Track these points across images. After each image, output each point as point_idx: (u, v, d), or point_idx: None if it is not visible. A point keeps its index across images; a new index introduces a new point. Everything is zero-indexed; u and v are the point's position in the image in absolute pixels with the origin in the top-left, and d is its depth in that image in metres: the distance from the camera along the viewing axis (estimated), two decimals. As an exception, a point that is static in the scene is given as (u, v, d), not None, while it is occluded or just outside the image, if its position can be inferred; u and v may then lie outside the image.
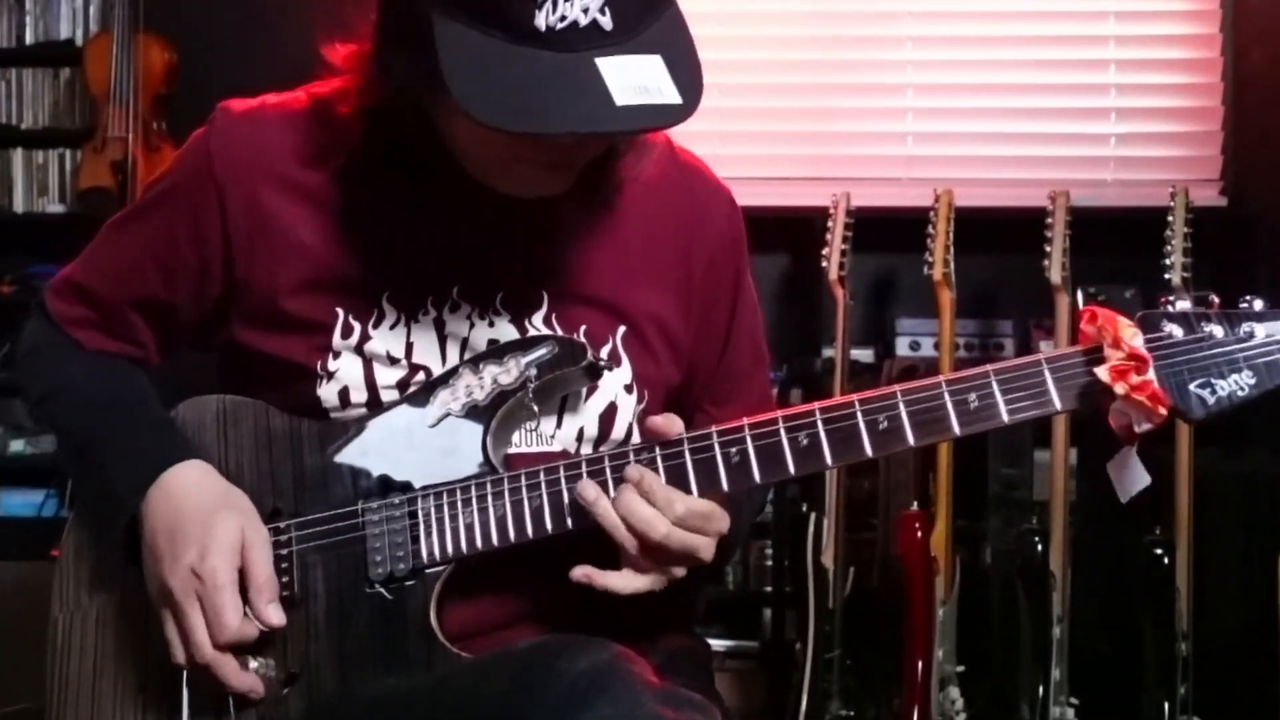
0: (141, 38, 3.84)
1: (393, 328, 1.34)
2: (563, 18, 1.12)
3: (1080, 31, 3.85)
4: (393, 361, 1.34)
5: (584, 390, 1.36)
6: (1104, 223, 3.46)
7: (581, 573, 1.24)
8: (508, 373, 1.31)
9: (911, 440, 1.22)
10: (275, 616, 1.26)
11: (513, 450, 1.34)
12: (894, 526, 3.07)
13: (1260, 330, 1.20)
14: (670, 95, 1.14)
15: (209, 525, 1.27)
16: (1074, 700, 2.92)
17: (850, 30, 3.92)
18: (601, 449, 1.36)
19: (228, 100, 1.39)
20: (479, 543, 1.27)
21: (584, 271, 1.38)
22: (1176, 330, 1.21)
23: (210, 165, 1.34)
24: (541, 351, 1.31)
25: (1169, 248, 2.94)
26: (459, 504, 1.28)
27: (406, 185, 1.34)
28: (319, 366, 1.34)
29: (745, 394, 1.49)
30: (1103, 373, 1.19)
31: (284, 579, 1.30)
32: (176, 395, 1.41)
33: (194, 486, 1.30)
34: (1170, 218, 2.97)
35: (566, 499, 1.26)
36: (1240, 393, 1.19)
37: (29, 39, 4.16)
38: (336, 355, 1.34)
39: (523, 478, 1.27)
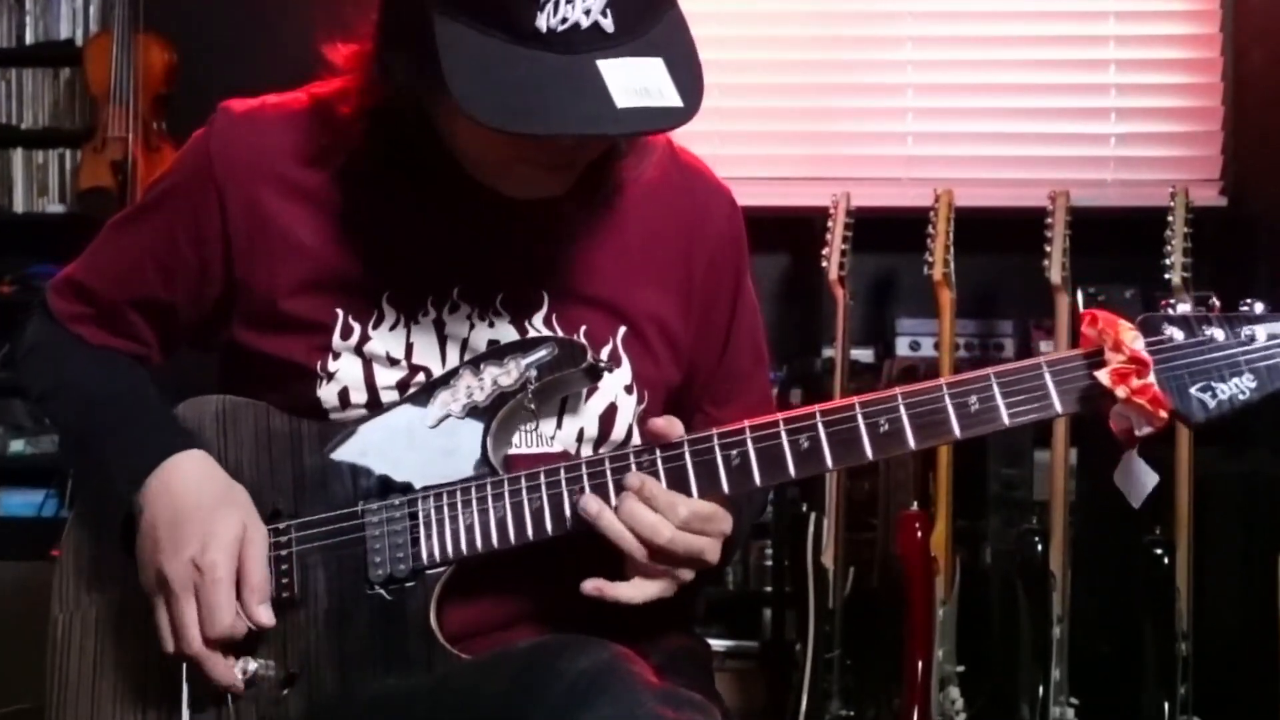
0: (141, 38, 3.84)
1: (392, 328, 1.34)
2: (564, 19, 1.12)
3: (1080, 31, 3.85)
4: (392, 362, 1.34)
5: (584, 391, 1.36)
6: (1104, 223, 3.46)
7: (593, 586, 1.24)
8: (508, 374, 1.31)
9: (912, 443, 1.22)
10: (265, 617, 1.26)
11: (513, 451, 1.34)
12: (894, 526, 3.07)
13: (1261, 333, 1.20)
14: (671, 98, 1.14)
15: (212, 519, 1.27)
16: (1074, 700, 2.92)
17: (850, 30, 3.92)
18: (601, 450, 1.36)
19: (228, 100, 1.39)
20: (479, 544, 1.27)
21: (584, 272, 1.38)
22: (1177, 333, 1.21)
23: (210, 166, 1.34)
24: (542, 353, 1.31)
25: (1169, 248, 2.94)
26: (459, 505, 1.28)
27: (407, 186, 1.34)
28: (319, 367, 1.34)
29: (745, 394, 1.49)
30: (1104, 376, 1.19)
31: (284, 579, 1.30)
32: (176, 395, 1.41)
33: (196, 477, 1.31)
34: (1170, 218, 2.97)
35: (567, 501, 1.26)
36: (1241, 396, 1.19)
37: (29, 39, 4.16)
38: (336, 356, 1.34)
39: (523, 479, 1.27)
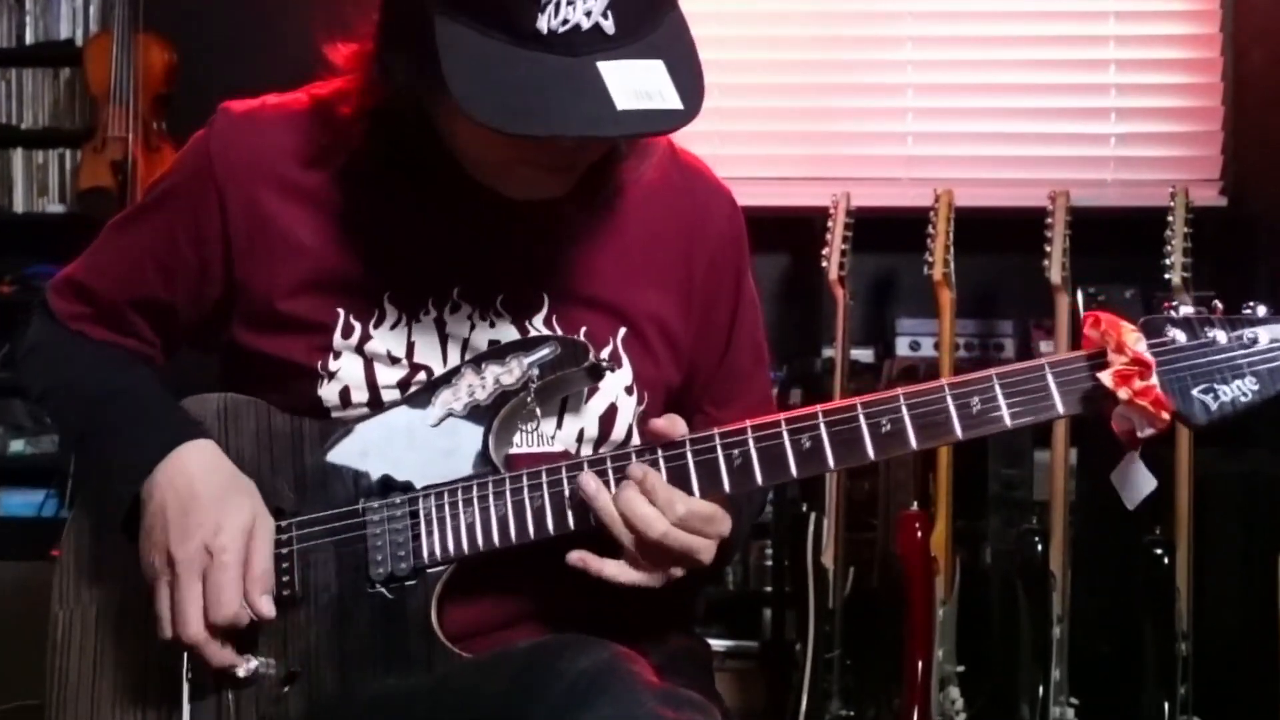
0: (141, 38, 3.84)
1: (393, 328, 1.34)
2: (565, 21, 1.12)
3: (1080, 31, 3.85)
4: (394, 361, 1.34)
5: (585, 391, 1.36)
6: (1104, 223, 3.46)
7: (577, 556, 1.24)
8: (510, 373, 1.31)
9: (914, 443, 1.22)
10: (267, 608, 1.27)
11: (513, 450, 1.34)
12: (894, 526, 3.07)
13: (1263, 336, 1.20)
14: (671, 100, 1.14)
15: (223, 505, 1.28)
16: (1074, 700, 2.92)
17: (850, 30, 3.92)
18: (602, 450, 1.36)
19: (228, 101, 1.39)
20: (480, 543, 1.27)
21: (585, 273, 1.38)
22: (1180, 335, 1.21)
23: (211, 166, 1.34)
24: (544, 352, 1.31)
25: (1169, 248, 2.94)
26: (460, 504, 1.28)
27: (407, 186, 1.34)
28: (320, 366, 1.34)
29: (746, 394, 1.49)
30: (1106, 378, 1.19)
31: (285, 577, 1.30)
32: (176, 395, 1.41)
33: (205, 466, 1.31)
34: (1170, 218, 2.97)
35: (568, 499, 1.26)
36: (1243, 399, 1.19)
37: (29, 39, 4.17)
38: (337, 355, 1.34)
39: (524, 478, 1.27)
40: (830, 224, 3.20)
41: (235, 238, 1.34)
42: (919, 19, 3.89)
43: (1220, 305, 1.23)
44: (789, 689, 3.07)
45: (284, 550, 1.31)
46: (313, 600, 1.30)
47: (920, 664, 2.97)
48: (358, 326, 1.34)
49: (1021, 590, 2.99)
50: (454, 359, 1.35)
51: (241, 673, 1.28)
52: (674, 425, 1.26)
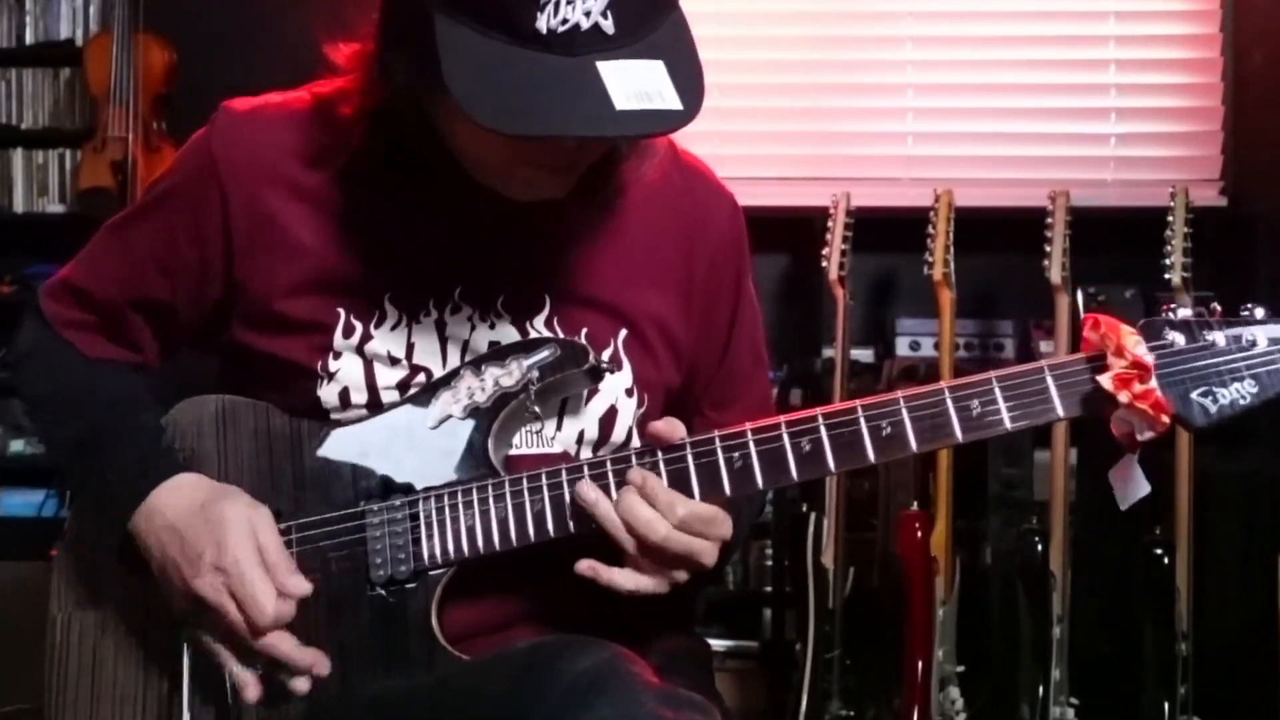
0: (141, 38, 3.84)
1: (394, 328, 1.34)
2: (564, 21, 1.12)
3: (1080, 31, 3.85)
4: (393, 362, 1.34)
5: (584, 393, 1.36)
6: (1104, 223, 3.46)
7: (587, 565, 1.24)
8: (509, 374, 1.31)
9: (914, 446, 1.22)
10: (299, 586, 1.25)
11: (513, 452, 1.34)
12: (894, 526, 3.07)
13: (1262, 338, 1.20)
14: (671, 101, 1.14)
15: (215, 517, 1.27)
16: (1074, 700, 2.92)
17: (850, 30, 3.92)
18: (601, 452, 1.36)
19: (229, 100, 1.39)
20: (480, 545, 1.27)
21: (586, 274, 1.38)
22: (1179, 338, 1.21)
23: (213, 165, 1.34)
24: (544, 353, 1.31)
25: (1169, 248, 2.94)
26: (460, 506, 1.28)
27: (408, 186, 1.34)
28: (319, 367, 1.33)
29: (745, 397, 1.49)
30: (1106, 381, 1.19)
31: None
32: (176, 395, 1.40)
33: (187, 490, 1.30)
34: (1170, 218, 2.97)
35: (568, 502, 1.26)
36: (1242, 401, 1.19)
37: (29, 39, 4.16)
38: (337, 356, 1.34)
39: (524, 480, 1.27)
40: (830, 224, 3.20)
41: (236, 236, 1.34)
42: (919, 19, 3.89)
43: (1219, 307, 1.23)
44: (789, 689, 3.07)
45: (284, 553, 1.31)
46: (313, 603, 1.29)
47: (920, 664, 2.97)
48: (358, 327, 1.34)
49: (1021, 590, 2.99)
50: (454, 360, 1.34)
51: (325, 661, 1.26)
52: (673, 428, 1.25)
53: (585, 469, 1.26)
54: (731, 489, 1.24)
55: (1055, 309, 3.01)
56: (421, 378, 1.34)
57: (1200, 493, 2.91)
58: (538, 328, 1.36)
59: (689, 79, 1.16)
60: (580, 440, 1.37)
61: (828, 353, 3.45)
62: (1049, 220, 3.05)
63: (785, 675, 3.14)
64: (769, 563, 3.55)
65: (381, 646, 1.28)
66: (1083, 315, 1.23)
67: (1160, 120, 3.82)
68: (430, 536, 1.28)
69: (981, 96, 3.88)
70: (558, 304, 1.37)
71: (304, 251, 1.34)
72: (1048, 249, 3.02)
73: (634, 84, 1.13)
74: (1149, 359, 1.19)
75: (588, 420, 1.37)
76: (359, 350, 1.34)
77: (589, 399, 1.37)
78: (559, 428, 1.36)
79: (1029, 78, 3.85)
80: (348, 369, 1.33)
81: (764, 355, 1.55)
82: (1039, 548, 2.97)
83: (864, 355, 3.64)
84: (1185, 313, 1.22)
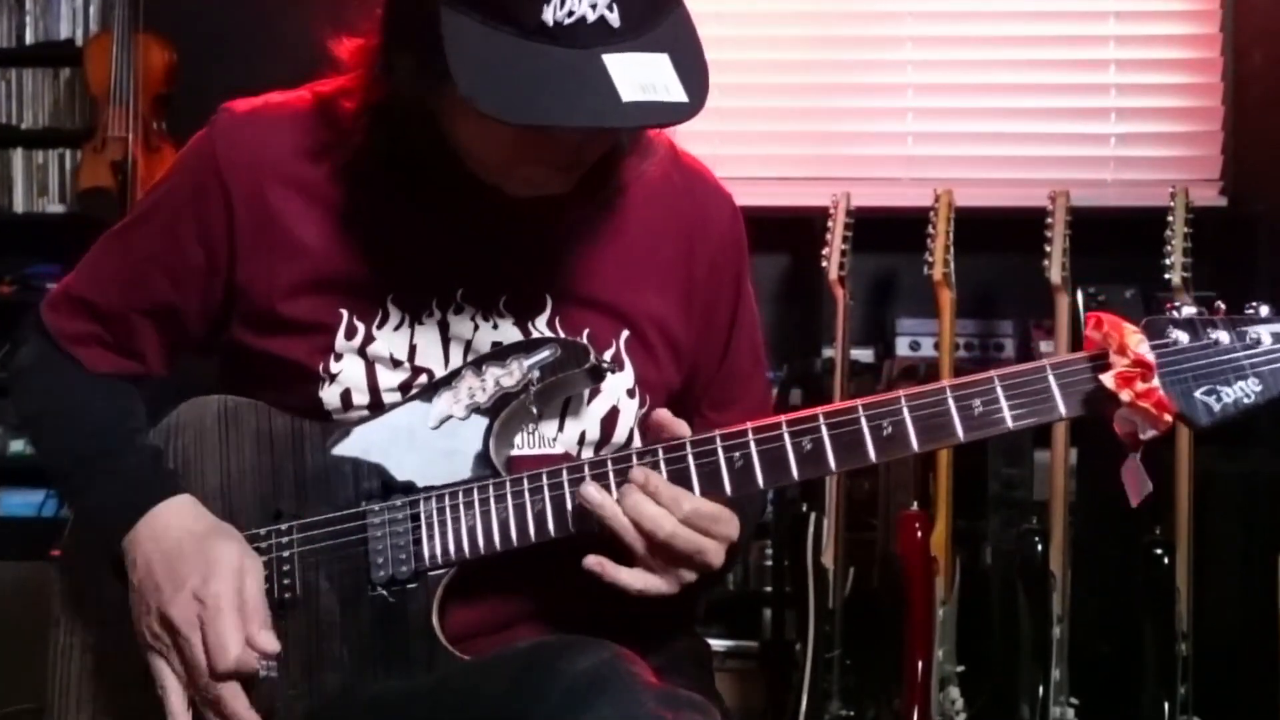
0: (141, 38, 3.84)
1: (396, 329, 1.34)
2: (571, 13, 1.12)
3: (1080, 31, 3.85)
4: (395, 364, 1.34)
5: (586, 393, 1.36)
6: (1104, 223, 3.46)
7: (594, 560, 1.23)
8: (510, 375, 1.31)
9: (915, 446, 1.22)
10: (269, 642, 1.23)
11: (514, 453, 1.34)
12: (894, 526, 3.07)
13: (1266, 336, 1.20)
14: (677, 93, 1.14)
15: (209, 550, 1.26)
16: (1074, 700, 2.92)
17: (850, 30, 3.92)
18: (603, 452, 1.36)
19: (229, 100, 1.39)
20: (481, 546, 1.27)
21: (588, 274, 1.38)
22: (1182, 336, 1.21)
23: (215, 166, 1.34)
24: (545, 354, 1.31)
25: (1169, 248, 2.94)
26: (461, 506, 1.28)
27: (409, 186, 1.34)
28: (321, 368, 1.33)
29: (744, 398, 1.49)
30: (1108, 379, 1.19)
31: (286, 580, 1.30)
32: (177, 395, 1.40)
33: (184, 517, 1.30)
34: (1170, 218, 2.97)
35: (569, 502, 1.26)
36: (1246, 400, 1.19)
37: (29, 39, 4.16)
38: (339, 357, 1.33)
39: (525, 480, 1.27)
40: (830, 224, 3.20)
41: (240, 237, 1.34)
42: (919, 19, 3.89)
43: (1223, 306, 1.23)
44: (789, 689, 3.07)
45: (285, 553, 1.31)
46: (313, 603, 1.29)
47: (920, 664, 2.97)
48: (361, 328, 1.34)
49: (1021, 590, 2.99)
50: (456, 361, 1.34)
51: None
52: (675, 421, 1.26)
53: (586, 469, 1.26)
54: (732, 488, 1.24)
55: (1055, 309, 3.01)
56: (423, 379, 1.34)
57: (1200, 493, 2.91)
58: (540, 328, 1.36)
59: (694, 72, 1.16)
60: (582, 441, 1.36)
61: (828, 353, 3.45)
62: (1049, 220, 3.05)
63: (785, 675, 3.14)
64: (769, 563, 3.54)
65: (382, 646, 1.28)
66: (1084, 314, 1.23)
67: (1160, 120, 3.82)
68: (431, 537, 1.28)
69: (981, 96, 3.87)
70: (559, 304, 1.37)
71: (306, 251, 1.34)
72: (1048, 249, 3.02)
73: (640, 76, 1.13)
74: (1152, 357, 1.19)
75: (589, 421, 1.37)
76: (361, 352, 1.33)
77: (591, 399, 1.37)
78: (560, 428, 1.36)
79: (1029, 78, 3.85)
80: (349, 370, 1.33)
81: (762, 357, 1.55)
82: (1039, 548, 2.97)
83: (864, 355, 3.64)
84: (1189, 311, 1.22)
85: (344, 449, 1.33)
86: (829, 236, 3.19)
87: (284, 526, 1.31)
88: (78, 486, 1.38)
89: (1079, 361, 1.22)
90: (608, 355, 1.37)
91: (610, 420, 1.37)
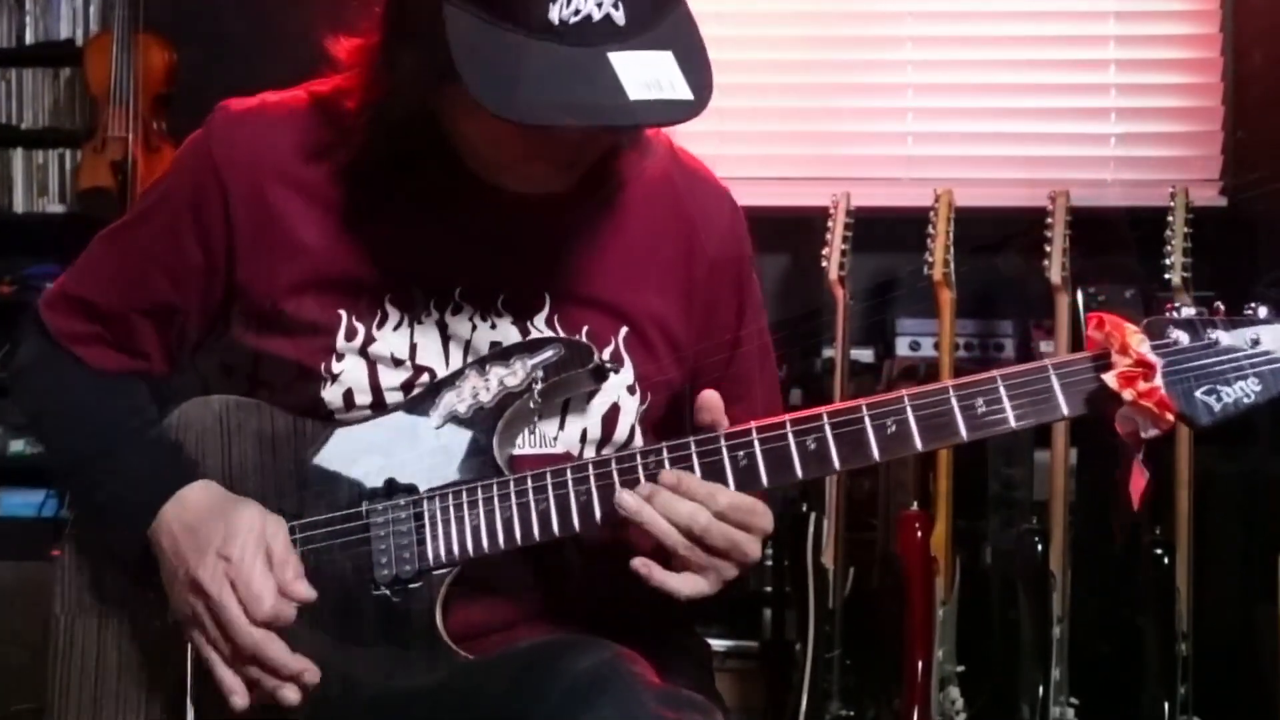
0: (141, 38, 3.84)
1: (396, 329, 1.34)
2: (576, 11, 1.13)
3: (1080, 31, 3.84)
4: (397, 363, 1.34)
5: (587, 392, 1.36)
6: (1104, 223, 3.46)
7: (640, 563, 1.23)
8: (514, 374, 1.31)
9: (919, 445, 1.22)
10: (304, 589, 1.24)
11: (516, 452, 1.34)
12: (894, 526, 3.07)
13: (1266, 336, 1.21)
14: (682, 91, 1.14)
15: (229, 516, 1.27)
16: (1074, 700, 2.93)
17: (850, 30, 3.92)
18: (605, 451, 1.36)
19: (227, 100, 1.39)
20: (484, 545, 1.27)
21: (586, 273, 1.38)
22: (1183, 337, 1.22)
23: (213, 165, 1.34)
24: (548, 353, 1.31)
25: (1169, 248, 2.95)
26: (464, 506, 1.28)
27: (408, 184, 1.34)
28: (322, 368, 1.33)
29: (752, 396, 1.48)
30: (1110, 379, 1.20)
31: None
32: (177, 396, 1.40)
33: (204, 496, 1.30)
34: (1170, 218, 2.97)
35: (573, 501, 1.26)
36: (1246, 399, 1.20)
37: (29, 39, 4.15)
38: (340, 357, 1.33)
39: (528, 480, 1.27)
40: (830, 224, 3.20)
41: (239, 236, 1.34)
42: (919, 19, 3.88)
43: (1222, 306, 1.23)
44: (789, 689, 3.07)
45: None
46: (317, 603, 1.29)
47: (920, 664, 2.97)
48: (361, 328, 1.33)
49: (1021, 590, 3.00)
50: (456, 360, 1.34)
51: (314, 668, 1.24)
52: (718, 407, 1.25)
53: (590, 468, 1.26)
54: (737, 487, 1.24)
55: (1055, 309, 3.02)
56: (425, 378, 1.34)
57: (1200, 493, 2.92)
58: (538, 326, 1.36)
59: (698, 70, 1.16)
60: (583, 439, 1.36)
61: (828, 353, 3.45)
62: (1049, 220, 3.05)
63: (785, 675, 3.14)
64: (769, 563, 3.54)
65: (385, 646, 1.28)
66: (1084, 315, 1.23)
67: (1160, 120, 3.82)
68: (434, 536, 1.28)
69: (981, 96, 3.87)
70: (558, 303, 1.37)
71: (305, 250, 1.34)
72: (1048, 249, 3.02)
73: (646, 74, 1.13)
74: (1153, 357, 1.19)
75: (590, 419, 1.37)
76: (362, 352, 1.33)
77: (591, 397, 1.37)
78: (561, 427, 1.36)
79: (1029, 78, 3.85)
80: (351, 371, 1.33)
81: (771, 355, 1.54)
82: (1039, 548, 2.97)
83: (864, 355, 3.63)
84: (1189, 311, 1.23)
85: (347, 449, 1.32)
86: (829, 236, 3.19)
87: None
88: (88, 486, 1.38)
89: (1081, 361, 1.23)
90: (606, 353, 1.37)
91: (611, 417, 1.37)
